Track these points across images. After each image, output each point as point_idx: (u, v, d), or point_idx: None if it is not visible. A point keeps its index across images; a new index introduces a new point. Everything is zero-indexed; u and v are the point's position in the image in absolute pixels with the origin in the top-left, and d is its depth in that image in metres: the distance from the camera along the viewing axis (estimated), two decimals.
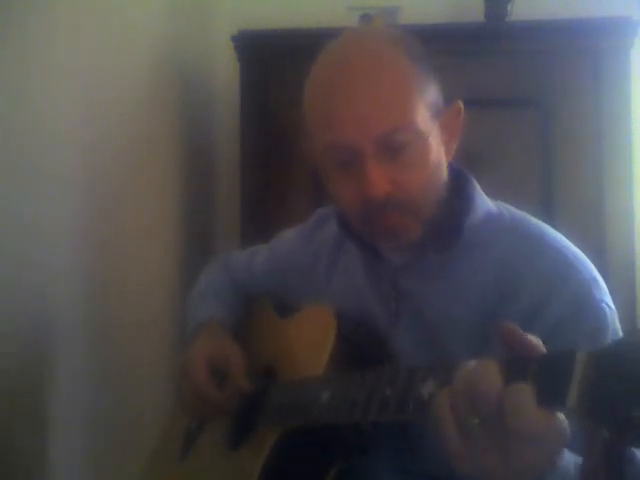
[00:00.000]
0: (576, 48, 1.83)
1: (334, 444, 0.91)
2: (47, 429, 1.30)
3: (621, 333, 0.88)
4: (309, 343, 1.02)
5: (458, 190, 0.97)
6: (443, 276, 0.94)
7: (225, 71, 2.14)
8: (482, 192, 0.99)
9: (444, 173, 0.94)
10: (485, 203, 0.98)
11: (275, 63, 1.92)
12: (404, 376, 0.73)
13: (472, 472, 0.61)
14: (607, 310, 0.88)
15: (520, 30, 1.87)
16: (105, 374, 1.49)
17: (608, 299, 0.89)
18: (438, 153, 0.92)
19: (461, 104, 0.97)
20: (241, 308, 1.25)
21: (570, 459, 0.67)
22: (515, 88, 1.85)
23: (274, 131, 1.91)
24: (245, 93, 1.96)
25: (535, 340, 0.62)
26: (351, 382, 0.81)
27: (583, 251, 0.93)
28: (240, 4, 2.23)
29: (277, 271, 1.22)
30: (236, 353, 1.09)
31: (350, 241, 1.05)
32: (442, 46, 1.81)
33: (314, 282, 1.13)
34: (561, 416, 0.58)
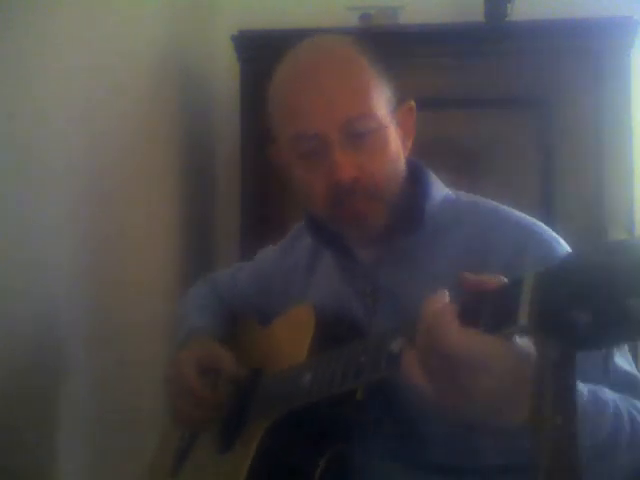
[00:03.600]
0: (576, 48, 1.83)
1: (322, 432, 0.93)
2: (47, 428, 1.30)
3: None
4: (290, 340, 1.05)
5: (416, 179, 1.02)
6: (413, 262, 0.99)
7: (225, 71, 2.15)
8: (438, 180, 1.05)
9: (403, 165, 1.00)
10: (441, 189, 1.04)
11: (275, 63, 1.91)
12: (375, 340, 0.79)
13: (449, 411, 0.67)
14: None
15: (520, 30, 1.87)
16: (105, 374, 1.49)
17: None
18: (397, 145, 0.98)
19: (413, 103, 1.03)
20: (228, 322, 1.27)
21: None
22: (515, 88, 1.85)
23: None
24: (245, 93, 1.97)
25: (491, 277, 0.66)
26: (329, 360, 0.87)
27: None
28: (240, 4, 2.23)
29: (261, 282, 1.25)
30: (225, 353, 1.11)
31: (323, 245, 1.08)
32: (442, 46, 1.82)
33: (295, 289, 1.16)
34: (520, 342, 0.62)
